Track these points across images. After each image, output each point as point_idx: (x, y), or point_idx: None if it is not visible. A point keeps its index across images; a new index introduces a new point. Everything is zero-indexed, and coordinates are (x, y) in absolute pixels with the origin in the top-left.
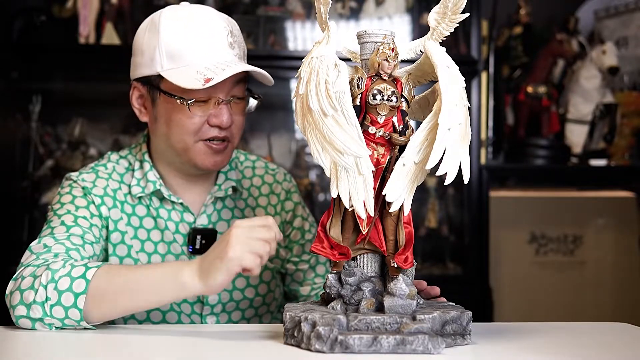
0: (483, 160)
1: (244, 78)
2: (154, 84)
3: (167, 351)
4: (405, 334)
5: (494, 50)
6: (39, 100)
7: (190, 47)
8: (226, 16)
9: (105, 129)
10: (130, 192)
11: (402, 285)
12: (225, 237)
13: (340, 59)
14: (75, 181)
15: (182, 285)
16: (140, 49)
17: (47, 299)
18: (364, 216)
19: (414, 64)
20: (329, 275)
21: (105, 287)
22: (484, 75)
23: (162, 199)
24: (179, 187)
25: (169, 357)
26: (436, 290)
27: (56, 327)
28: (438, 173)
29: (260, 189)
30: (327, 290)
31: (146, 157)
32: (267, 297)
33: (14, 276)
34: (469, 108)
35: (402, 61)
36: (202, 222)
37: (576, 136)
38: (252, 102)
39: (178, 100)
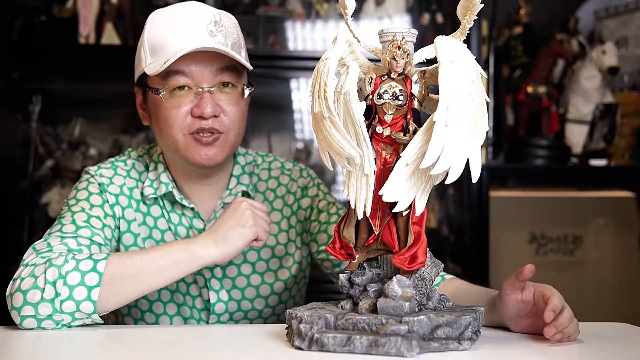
0: (483, 160)
1: (234, 67)
2: (143, 82)
3: (169, 350)
4: (380, 335)
5: (494, 50)
6: (39, 100)
7: (166, 38)
8: (217, 10)
9: (105, 129)
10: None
11: (394, 286)
12: (235, 210)
13: (370, 59)
14: (92, 176)
15: (199, 259)
16: (136, 52)
17: (56, 294)
18: (361, 216)
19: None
20: (341, 276)
21: (120, 275)
22: None
23: (173, 202)
24: (191, 192)
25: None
26: (525, 272)
27: (63, 324)
28: (433, 172)
29: (276, 192)
30: (340, 290)
31: (160, 158)
32: (277, 308)
33: (14, 276)
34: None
35: (427, 60)
36: None
37: (576, 136)
38: (246, 91)
39: (154, 92)
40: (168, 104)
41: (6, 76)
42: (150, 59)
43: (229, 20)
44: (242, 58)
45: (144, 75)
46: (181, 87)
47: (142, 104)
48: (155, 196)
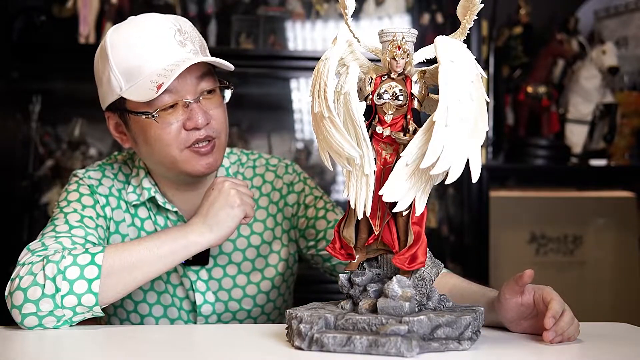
0: (483, 160)
1: (209, 70)
2: (121, 107)
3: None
4: (380, 335)
5: (494, 50)
6: (39, 100)
7: (139, 60)
8: (172, 16)
9: (105, 129)
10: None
11: (394, 286)
12: (220, 190)
13: (370, 59)
14: (81, 178)
15: (195, 245)
16: (99, 78)
17: (57, 290)
18: (361, 216)
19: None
20: (341, 276)
21: (119, 266)
22: None
23: (158, 205)
24: (174, 195)
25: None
26: (524, 277)
27: (65, 321)
28: (433, 172)
29: (261, 189)
30: (340, 290)
31: (141, 164)
32: (266, 307)
33: (11, 276)
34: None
35: (427, 60)
36: None
37: (576, 136)
38: (227, 92)
39: (143, 116)
40: (158, 123)
41: (6, 76)
42: (127, 83)
43: (186, 24)
44: (212, 58)
45: (120, 99)
46: (170, 105)
47: (118, 127)
48: (137, 202)
